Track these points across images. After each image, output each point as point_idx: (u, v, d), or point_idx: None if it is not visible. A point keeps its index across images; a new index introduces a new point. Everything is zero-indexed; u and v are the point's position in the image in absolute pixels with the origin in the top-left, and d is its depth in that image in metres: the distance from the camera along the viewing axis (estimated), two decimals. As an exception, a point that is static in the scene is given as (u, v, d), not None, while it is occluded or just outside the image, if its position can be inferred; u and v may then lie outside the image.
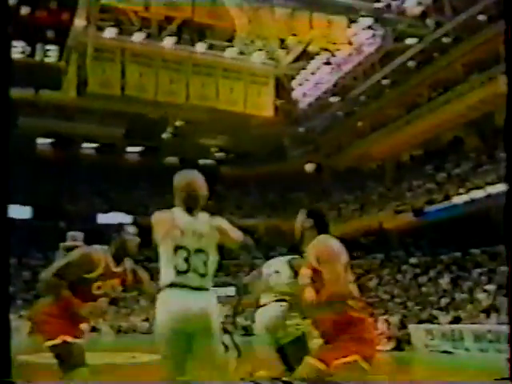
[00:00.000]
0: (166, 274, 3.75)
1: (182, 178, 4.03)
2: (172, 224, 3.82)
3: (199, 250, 3.79)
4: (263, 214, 46.76)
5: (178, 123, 45.88)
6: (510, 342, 3.18)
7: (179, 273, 3.70)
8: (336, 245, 3.98)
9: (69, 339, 4.58)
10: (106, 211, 44.08)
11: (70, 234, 37.21)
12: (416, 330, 19.31)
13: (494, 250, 26.49)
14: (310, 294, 3.92)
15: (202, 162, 52.32)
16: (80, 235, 37.10)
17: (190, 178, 4.04)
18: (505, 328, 16.28)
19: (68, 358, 4.52)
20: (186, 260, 3.72)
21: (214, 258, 3.87)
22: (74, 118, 44.01)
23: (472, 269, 27.08)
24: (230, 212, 46.83)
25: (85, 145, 49.84)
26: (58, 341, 4.56)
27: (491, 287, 23.09)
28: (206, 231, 3.86)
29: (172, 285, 3.68)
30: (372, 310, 22.72)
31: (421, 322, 21.29)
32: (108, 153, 49.44)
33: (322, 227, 4.18)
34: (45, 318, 4.71)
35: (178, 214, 3.89)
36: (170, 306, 3.63)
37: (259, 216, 46.54)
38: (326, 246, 3.97)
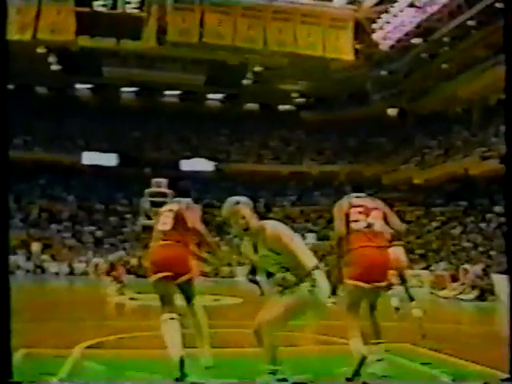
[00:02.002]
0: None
1: None
2: None
3: None
4: (344, 160, 46.34)
5: (257, 69, 45.66)
6: (511, 342, 3.05)
7: None
8: None
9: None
10: (188, 158, 44.96)
11: (155, 180, 38.31)
12: (499, 280, 18.90)
13: None
14: None
15: (281, 107, 52.16)
16: (164, 181, 38.14)
17: None
18: None
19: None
20: None
21: None
22: (156, 66, 44.58)
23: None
24: (310, 158, 46.78)
25: (167, 92, 50.57)
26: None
27: None
28: None
29: None
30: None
31: (504, 271, 20.81)
32: (190, 100, 50.05)
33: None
34: None
35: None
36: None
37: (340, 162, 46.17)
38: None
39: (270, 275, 4.29)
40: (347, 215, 5.38)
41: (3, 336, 3.16)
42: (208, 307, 13.50)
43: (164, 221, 5.48)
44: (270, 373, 4.17)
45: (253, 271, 14.94)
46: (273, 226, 4.19)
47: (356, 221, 5.32)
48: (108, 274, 15.92)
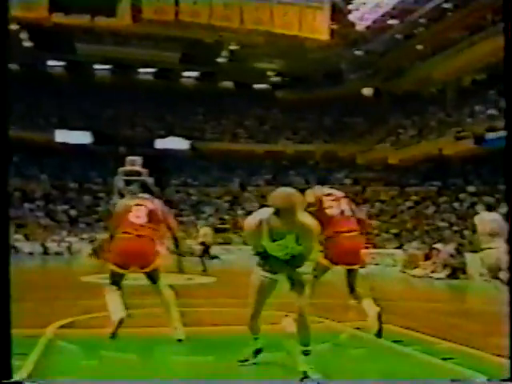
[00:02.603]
0: None
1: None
2: None
3: None
4: (319, 140, 46.43)
5: (233, 47, 45.38)
6: (511, 341, 3.10)
7: None
8: None
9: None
10: (163, 136, 44.66)
11: (129, 158, 38.01)
12: (472, 259, 19.17)
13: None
14: None
15: (257, 86, 51.97)
16: (139, 160, 37.88)
17: None
18: None
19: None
20: None
21: None
22: (130, 43, 44.07)
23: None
24: (285, 137, 46.79)
25: (142, 70, 50.07)
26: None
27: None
28: None
29: None
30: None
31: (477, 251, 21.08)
32: (165, 78, 49.63)
33: None
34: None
35: None
36: None
37: (315, 141, 46.26)
38: None
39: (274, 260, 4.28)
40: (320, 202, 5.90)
41: (3, 336, 3.14)
42: (181, 286, 13.51)
43: (137, 214, 5.73)
44: (304, 352, 4.15)
45: (205, 251, 18.15)
46: (315, 224, 4.23)
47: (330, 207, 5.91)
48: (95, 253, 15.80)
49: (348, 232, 5.79)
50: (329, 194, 6.03)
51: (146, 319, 6.73)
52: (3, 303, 3.11)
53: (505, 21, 3.18)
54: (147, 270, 5.61)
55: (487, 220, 8.65)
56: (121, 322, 5.24)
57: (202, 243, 18.48)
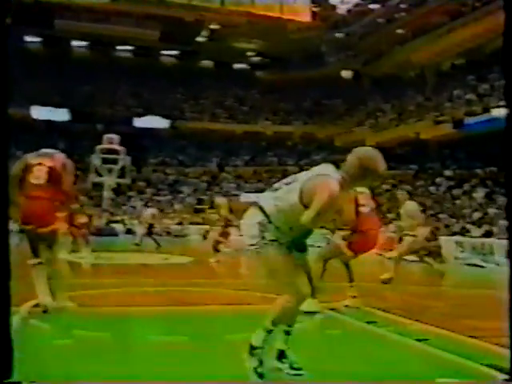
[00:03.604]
0: None
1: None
2: None
3: None
4: (299, 121, 46.42)
5: (213, 26, 45.01)
6: (511, 341, 3.13)
7: None
8: None
9: None
10: (141, 115, 44.29)
11: (107, 136, 37.71)
12: (446, 242, 19.38)
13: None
14: None
15: (237, 66, 51.68)
16: (116, 138, 37.59)
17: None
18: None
19: None
20: None
21: None
22: (110, 20, 43.48)
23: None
24: (265, 118, 46.68)
25: (120, 47, 49.48)
26: None
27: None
28: None
29: None
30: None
31: (453, 234, 21.34)
32: (144, 56, 49.11)
33: None
34: None
35: None
36: None
37: (294, 123, 46.24)
38: None
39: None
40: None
41: (4, 336, 3.11)
42: (158, 266, 13.49)
43: (37, 175, 5.67)
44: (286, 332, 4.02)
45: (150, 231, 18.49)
46: None
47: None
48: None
49: (374, 229, 6.81)
50: (362, 192, 6.75)
51: (120, 298, 6.71)
52: (3, 303, 3.09)
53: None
54: (44, 230, 5.63)
55: (415, 209, 9.26)
56: (45, 312, 5.37)
57: (150, 225, 18.68)
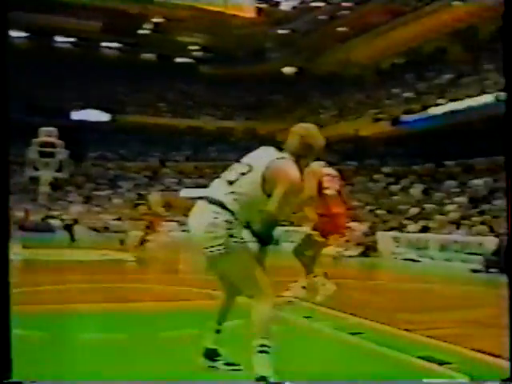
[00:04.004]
0: None
1: None
2: None
3: None
4: (241, 116, 46.44)
5: (157, 20, 44.51)
6: (510, 340, 3.19)
7: None
8: None
9: None
10: (81, 107, 43.40)
11: (44, 129, 36.78)
12: (383, 237, 19.75)
13: (467, 162, 26.84)
14: None
15: (180, 60, 51.28)
16: (54, 131, 36.72)
17: None
18: (472, 239, 16.77)
19: None
20: None
21: None
22: (50, 10, 42.38)
23: (444, 180, 27.44)
24: (207, 113, 46.50)
25: (60, 39, 48.32)
26: None
27: (462, 199, 23.54)
28: None
29: None
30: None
31: (390, 229, 21.74)
32: (85, 47, 48.08)
33: None
34: None
35: None
36: None
37: (237, 118, 46.24)
38: None
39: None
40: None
41: (3, 336, 3.00)
42: (95, 262, 13.25)
43: None
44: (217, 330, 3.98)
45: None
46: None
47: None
48: None
49: (341, 212, 6.54)
50: (328, 174, 6.56)
51: (56, 295, 6.57)
52: (3, 304, 3.00)
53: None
54: None
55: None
56: None
57: (75, 220, 18.54)
